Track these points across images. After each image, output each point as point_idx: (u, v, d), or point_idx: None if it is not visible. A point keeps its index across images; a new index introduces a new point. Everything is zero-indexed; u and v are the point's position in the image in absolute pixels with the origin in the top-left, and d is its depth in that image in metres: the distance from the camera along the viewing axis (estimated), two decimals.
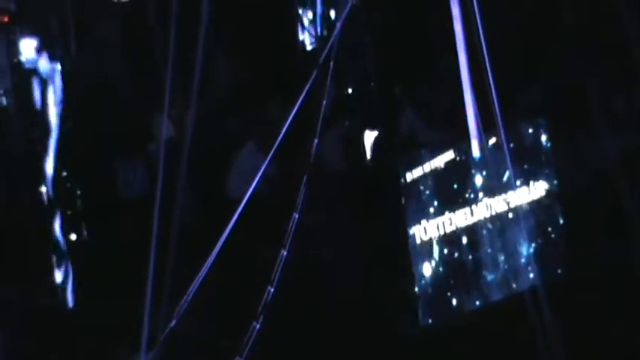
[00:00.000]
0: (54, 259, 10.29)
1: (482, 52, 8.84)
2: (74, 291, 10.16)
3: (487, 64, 8.87)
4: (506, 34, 10.64)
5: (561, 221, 9.74)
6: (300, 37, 11.61)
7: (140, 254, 8.40)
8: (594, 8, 11.05)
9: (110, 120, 11.03)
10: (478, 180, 9.41)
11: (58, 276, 10.32)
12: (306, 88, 8.87)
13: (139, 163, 10.91)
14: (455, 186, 9.34)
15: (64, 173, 10.43)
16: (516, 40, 11.08)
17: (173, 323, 8.37)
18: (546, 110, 10.17)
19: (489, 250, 9.47)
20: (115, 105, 11.10)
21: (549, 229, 9.71)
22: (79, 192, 10.55)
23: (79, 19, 11.00)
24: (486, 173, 9.41)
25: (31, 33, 10.31)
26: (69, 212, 10.42)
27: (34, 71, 10.38)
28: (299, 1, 11.55)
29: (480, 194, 9.45)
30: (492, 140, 9.31)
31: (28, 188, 10.66)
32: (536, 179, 9.68)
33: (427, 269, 9.32)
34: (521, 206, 9.61)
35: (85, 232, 10.59)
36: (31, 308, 9.93)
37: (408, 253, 9.18)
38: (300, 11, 11.52)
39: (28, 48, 10.31)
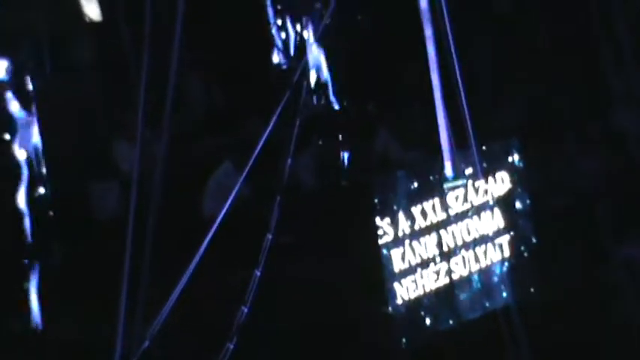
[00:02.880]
0: (24, 281, 10.16)
1: (455, 73, 9.06)
2: (44, 313, 10.05)
3: (460, 85, 9.09)
4: (479, 56, 10.86)
5: (534, 240, 9.92)
6: (275, 58, 11.51)
7: (113, 276, 8.49)
8: (568, 32, 11.34)
9: (84, 141, 11.00)
10: (451, 200, 9.52)
11: (30, 298, 10.13)
12: (280, 107, 9.05)
13: (112, 185, 10.87)
14: (428, 206, 9.40)
15: (37, 193, 10.41)
16: (490, 62, 11.24)
17: (146, 344, 8.45)
18: (519, 131, 10.28)
19: (463, 270, 9.59)
20: (88, 126, 11.09)
21: (522, 248, 9.87)
22: (51, 213, 10.48)
23: (53, 40, 10.97)
24: (459, 193, 9.53)
25: (1, 53, 10.20)
26: (41, 232, 10.33)
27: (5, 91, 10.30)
28: (274, 21, 11.46)
29: (454, 214, 9.55)
30: (466, 161, 9.48)
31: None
32: (509, 199, 9.85)
33: (400, 289, 9.33)
34: (494, 226, 9.76)
35: (57, 253, 10.53)
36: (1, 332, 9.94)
37: (382, 273, 9.20)
38: (274, 32, 11.41)
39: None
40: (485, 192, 9.59)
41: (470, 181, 9.49)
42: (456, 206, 9.51)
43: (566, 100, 11.32)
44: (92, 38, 11.29)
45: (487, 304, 9.60)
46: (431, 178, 9.44)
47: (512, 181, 9.83)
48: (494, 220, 9.74)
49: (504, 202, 9.79)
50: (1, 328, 9.92)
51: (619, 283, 10.35)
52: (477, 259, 9.63)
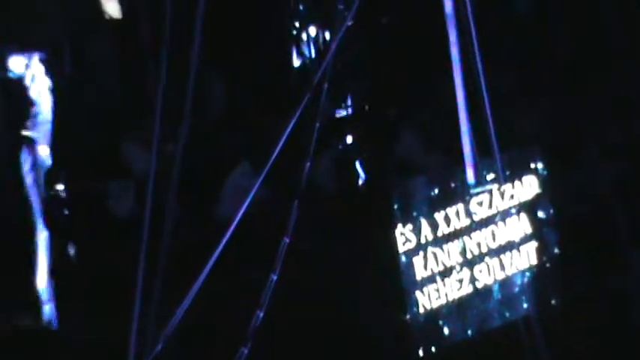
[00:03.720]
0: (39, 278, 10.33)
1: (479, 78, 8.98)
2: (59, 312, 10.19)
3: (483, 90, 9.02)
4: (503, 62, 10.88)
5: (556, 250, 9.81)
6: (295, 59, 11.70)
7: (128, 275, 8.46)
8: (591, 41, 11.31)
9: (101, 140, 11.10)
10: (473, 207, 9.43)
11: (44, 296, 10.35)
12: (300, 109, 8.92)
13: (130, 184, 10.94)
14: (450, 213, 9.32)
15: (53, 191, 10.51)
16: (513, 68, 11.25)
17: (159, 347, 8.37)
18: (543, 138, 10.24)
19: (484, 279, 9.50)
20: (107, 125, 11.18)
21: (544, 258, 9.77)
22: (67, 211, 10.58)
23: (72, 37, 11.10)
24: (479, 203, 9.44)
25: (21, 50, 10.42)
26: (57, 229, 10.45)
27: (23, 88, 10.49)
28: (294, 22, 11.69)
29: (475, 222, 9.46)
30: (489, 167, 9.36)
31: (14, 204, 10.72)
32: (531, 208, 9.73)
33: (421, 298, 9.28)
34: (516, 235, 9.66)
35: (72, 252, 10.61)
36: (14, 330, 10.01)
37: (400, 281, 9.15)
38: (295, 33, 11.59)
39: (17, 64, 10.42)
40: (511, 197, 9.53)
41: (494, 187, 9.43)
42: (480, 212, 9.45)
43: (589, 107, 11.32)
44: (111, 36, 11.38)
45: (507, 315, 9.50)
46: (452, 184, 9.34)
47: (535, 189, 9.73)
48: (518, 228, 9.70)
49: (528, 210, 9.71)
50: (15, 325, 10.04)
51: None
52: (500, 268, 9.57)
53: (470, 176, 9.27)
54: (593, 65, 11.40)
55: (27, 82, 10.36)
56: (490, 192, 9.48)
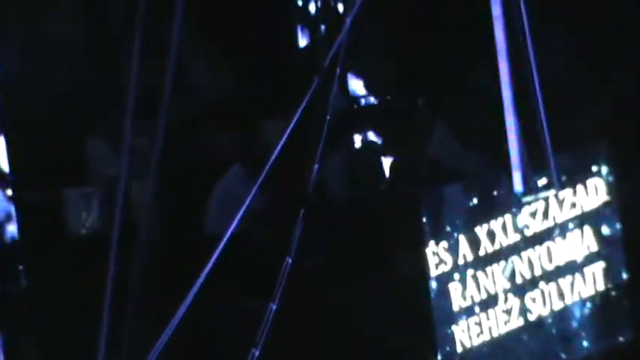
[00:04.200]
0: None
1: (530, 61, 9.08)
2: (5, 354, 10.26)
3: (535, 77, 9.11)
4: (559, 44, 10.98)
5: (625, 276, 9.97)
6: (300, 36, 11.98)
7: (91, 305, 8.56)
8: None
9: (59, 139, 11.26)
10: (521, 222, 9.59)
11: None
12: (306, 99, 9.00)
13: (93, 192, 11.16)
14: (492, 229, 9.50)
15: None
16: (572, 51, 11.37)
17: None
18: (609, 137, 10.31)
19: (536, 310, 9.64)
20: (66, 121, 11.34)
21: (609, 285, 9.91)
22: (14, 227, 10.79)
23: (25, 13, 11.37)
24: (531, 214, 9.61)
25: None
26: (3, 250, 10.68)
27: None
28: None
29: (523, 240, 9.62)
30: (540, 171, 9.49)
31: None
32: (594, 222, 9.91)
33: (454, 333, 9.42)
34: (574, 256, 9.83)
35: (22, 279, 10.79)
36: None
37: (430, 311, 9.32)
38: (300, 4, 11.89)
39: None
40: (571, 206, 9.73)
41: (549, 194, 9.60)
42: (525, 230, 9.62)
43: None
44: (77, 9, 11.63)
45: (564, 356, 9.70)
46: (495, 192, 9.53)
47: (598, 199, 9.94)
48: (578, 246, 9.88)
49: (590, 225, 9.91)
50: None
51: None
52: (557, 296, 9.73)
53: (517, 182, 9.37)
54: None
55: None
56: (545, 200, 9.60)
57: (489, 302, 9.56)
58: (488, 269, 9.55)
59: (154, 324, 8.69)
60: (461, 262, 9.47)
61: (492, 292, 9.56)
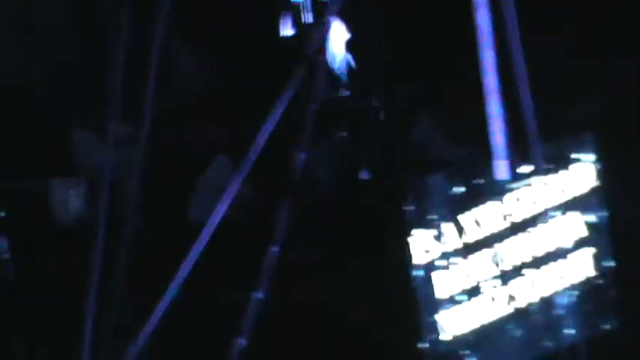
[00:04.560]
0: None
1: (515, 47, 9.07)
2: None
3: (521, 62, 9.12)
4: (546, 30, 10.95)
5: (609, 264, 9.92)
6: (283, 24, 12.07)
7: (77, 295, 8.64)
8: None
9: (42, 127, 11.32)
10: (506, 210, 9.56)
11: None
12: (292, 88, 9.04)
13: (79, 182, 11.18)
14: (476, 218, 9.46)
15: None
16: (558, 37, 11.43)
17: None
18: (596, 125, 10.26)
19: (521, 298, 9.60)
20: (53, 107, 11.41)
21: (595, 273, 9.87)
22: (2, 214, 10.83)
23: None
24: (516, 202, 9.59)
25: None
26: None
27: None
28: None
29: (508, 229, 9.57)
30: (525, 166, 9.52)
31: None
32: (579, 210, 9.86)
33: (438, 321, 9.37)
34: (559, 244, 9.78)
35: (6, 268, 10.83)
36: None
37: (414, 300, 9.27)
38: None
39: None
40: (557, 192, 9.67)
41: (535, 180, 9.57)
42: (510, 218, 9.56)
43: None
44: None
45: (548, 344, 9.63)
46: (480, 180, 9.47)
47: (585, 188, 9.90)
48: (564, 233, 9.80)
49: (573, 214, 9.82)
50: None
51: None
52: (535, 287, 9.64)
53: (502, 170, 9.41)
54: None
55: None
56: (530, 188, 9.59)
57: (474, 290, 9.53)
58: (474, 257, 9.51)
59: (140, 311, 8.75)
60: (446, 250, 9.43)
61: (476, 280, 9.53)
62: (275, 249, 8.98)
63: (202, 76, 12.20)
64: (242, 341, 8.83)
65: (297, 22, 11.94)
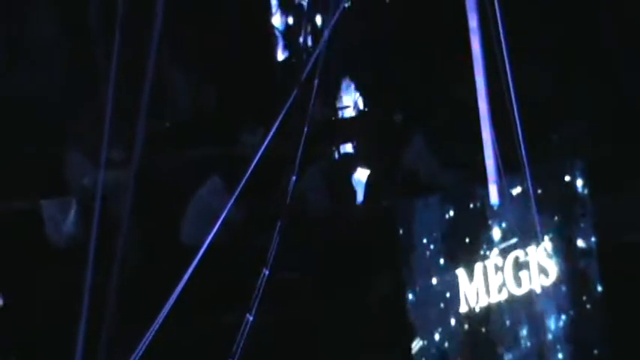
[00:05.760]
0: None
1: (506, 74, 9.14)
2: None
3: (512, 89, 9.17)
4: (536, 57, 11.09)
5: (599, 288, 10.08)
6: (278, 48, 12.09)
7: (68, 318, 8.51)
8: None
9: (35, 146, 11.25)
10: (496, 234, 9.66)
11: None
12: (284, 111, 8.99)
13: (71, 203, 11.12)
14: (467, 240, 9.55)
15: None
16: (550, 60, 11.51)
17: None
18: (585, 151, 10.50)
19: (508, 323, 9.70)
20: (44, 126, 11.33)
21: (584, 297, 10.01)
22: None
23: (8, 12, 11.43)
24: (506, 226, 9.69)
25: None
26: None
27: None
28: (279, 3, 12.06)
29: (498, 252, 9.68)
30: (516, 188, 9.63)
31: None
32: (569, 235, 10.02)
33: (429, 343, 9.42)
34: (548, 269, 9.91)
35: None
36: None
37: (406, 322, 9.30)
38: (279, 16, 12.01)
39: None
40: (539, 225, 9.75)
41: (520, 211, 9.67)
42: (501, 241, 9.70)
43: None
44: (56, 14, 11.66)
45: None
46: (471, 205, 9.59)
47: (573, 213, 10.06)
48: (548, 261, 9.94)
49: (562, 239, 10.00)
50: None
51: None
52: (525, 310, 9.77)
53: (493, 195, 9.48)
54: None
55: None
56: (517, 214, 9.66)
57: (463, 312, 9.56)
58: (467, 280, 9.58)
59: (132, 335, 8.58)
60: (434, 271, 9.48)
61: (465, 301, 9.59)
62: (266, 272, 8.86)
63: (198, 98, 12.18)
64: None
65: (291, 47, 11.93)
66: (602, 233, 10.19)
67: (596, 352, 10.03)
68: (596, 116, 11.69)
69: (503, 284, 9.75)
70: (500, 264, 9.71)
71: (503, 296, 9.79)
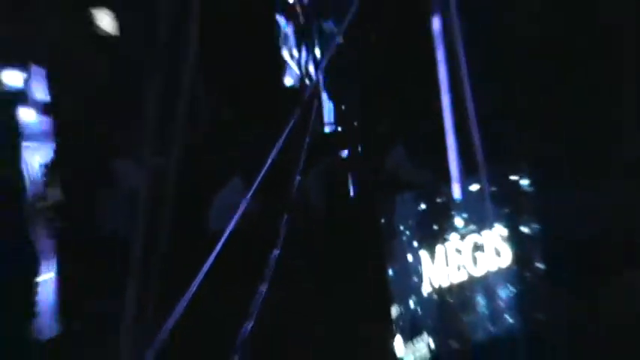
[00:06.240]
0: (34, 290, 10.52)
1: (466, 95, 9.61)
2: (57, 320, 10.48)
3: (470, 107, 9.64)
4: (496, 78, 11.15)
5: (541, 266, 10.34)
6: (286, 75, 12.03)
7: (121, 278, 8.75)
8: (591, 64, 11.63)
9: (90, 153, 11.26)
10: (458, 222, 9.95)
11: (39, 307, 10.50)
12: (290, 125, 9.48)
13: (118, 200, 11.07)
14: (435, 227, 9.83)
15: (43, 204, 10.74)
16: (502, 89, 11.49)
17: (151, 355, 8.65)
18: (531, 158, 10.64)
19: (468, 293, 9.97)
20: (96, 137, 11.27)
21: (528, 274, 10.27)
22: (58, 224, 10.80)
23: (64, 52, 11.21)
24: (467, 216, 9.98)
25: (17, 65, 10.77)
26: (49, 244, 10.63)
27: (18, 100, 10.80)
28: (285, 41, 11.99)
29: (460, 237, 9.98)
30: (474, 186, 9.95)
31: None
32: (516, 223, 10.28)
33: (405, 309, 9.72)
34: (500, 250, 10.19)
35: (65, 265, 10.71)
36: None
37: (387, 292, 9.58)
38: (286, 49, 11.95)
39: (11, 79, 10.77)
40: (492, 215, 10.04)
41: (477, 204, 9.94)
42: (462, 229, 10.01)
43: (579, 128, 11.60)
44: (105, 52, 11.55)
45: (492, 330, 10.00)
46: (438, 200, 9.86)
47: (521, 206, 10.26)
48: (500, 244, 10.15)
49: (511, 226, 10.20)
50: (17, 332, 10.30)
51: (620, 309, 10.71)
52: (482, 283, 9.98)
53: (456, 191, 9.85)
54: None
55: (21, 96, 10.74)
56: (475, 207, 9.92)
57: (434, 282, 9.85)
58: (434, 259, 9.85)
59: (170, 301, 8.83)
60: (413, 254, 9.75)
61: (433, 278, 9.85)
62: (275, 252, 9.42)
63: (220, 116, 12.01)
64: (249, 325, 9.17)
65: (297, 75, 11.82)
66: (544, 221, 10.36)
67: (539, 316, 10.20)
68: (543, 126, 11.62)
69: (465, 263, 10.01)
70: (460, 247, 9.96)
71: (463, 273, 10.01)
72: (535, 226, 10.28)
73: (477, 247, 10.09)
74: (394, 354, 9.64)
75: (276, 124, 9.69)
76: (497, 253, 10.19)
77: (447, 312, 9.92)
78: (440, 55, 9.60)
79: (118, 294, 8.77)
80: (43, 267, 10.68)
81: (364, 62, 11.65)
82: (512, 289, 10.20)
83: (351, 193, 11.61)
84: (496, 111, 10.91)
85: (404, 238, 9.75)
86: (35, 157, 10.92)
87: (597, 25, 11.88)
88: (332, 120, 11.80)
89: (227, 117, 12.10)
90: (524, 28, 12.01)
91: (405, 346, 9.73)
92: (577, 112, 11.72)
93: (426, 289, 9.87)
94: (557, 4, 11.81)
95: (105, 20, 11.54)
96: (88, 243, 11.05)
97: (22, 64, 10.84)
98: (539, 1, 12.00)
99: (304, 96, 10.03)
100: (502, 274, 10.17)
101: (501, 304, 10.15)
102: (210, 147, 11.80)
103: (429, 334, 9.82)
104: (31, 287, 10.51)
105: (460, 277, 9.99)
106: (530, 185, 10.29)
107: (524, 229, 10.31)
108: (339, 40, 10.36)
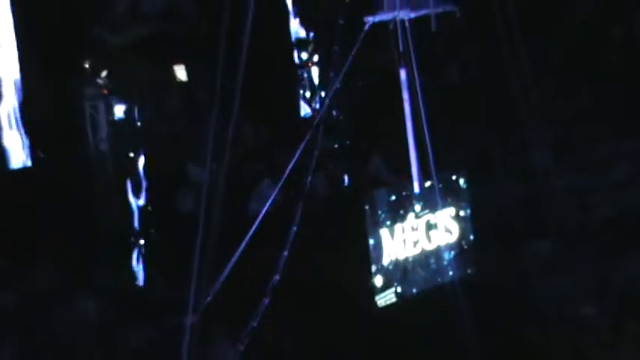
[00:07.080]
0: (131, 252, 11.06)
1: (423, 123, 10.12)
2: (145, 275, 10.97)
3: (426, 131, 10.12)
4: (439, 113, 11.07)
5: (472, 237, 11.01)
6: (302, 107, 12.45)
7: (190, 250, 9.20)
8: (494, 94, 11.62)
9: (176, 158, 11.59)
10: (417, 208, 10.62)
11: (135, 264, 11.15)
12: (304, 143, 9.89)
13: (191, 191, 11.24)
14: (401, 212, 10.44)
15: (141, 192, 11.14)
16: (446, 118, 11.47)
17: (208, 299, 9.38)
18: (465, 164, 11.14)
19: (423, 255, 10.62)
20: (178, 152, 11.59)
21: (463, 242, 10.97)
22: (150, 207, 11.18)
23: (154, 89, 11.79)
24: (423, 204, 10.62)
25: (122, 100, 11.46)
26: (144, 220, 11.01)
27: (124, 126, 11.52)
28: (302, 77, 12.32)
29: (418, 217, 10.62)
30: (428, 183, 10.48)
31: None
32: (456, 209, 10.91)
33: (380, 267, 10.33)
34: (445, 226, 10.83)
35: (154, 235, 11.18)
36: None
37: (369, 255, 10.21)
38: (301, 90, 12.43)
39: (120, 110, 11.50)
40: (440, 204, 10.53)
41: (430, 196, 10.32)
42: (419, 212, 10.56)
43: (496, 144, 11.80)
44: (181, 92, 12.11)
45: (439, 280, 10.59)
46: (404, 193, 10.42)
47: (459, 198, 10.79)
48: (445, 223, 10.70)
49: (453, 211, 10.71)
50: (111, 285, 10.74)
51: (529, 268, 11.29)
52: (432, 248, 10.52)
53: (416, 187, 10.45)
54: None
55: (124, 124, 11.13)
56: (429, 198, 10.31)
57: (402, 246, 10.38)
58: (401, 232, 10.39)
59: (222, 262, 9.41)
60: (386, 229, 10.31)
61: (401, 244, 10.41)
62: (294, 228, 9.81)
63: (253, 139, 12.34)
64: (276, 277, 9.61)
65: (309, 105, 12.22)
66: (474, 209, 10.92)
67: (469, 271, 10.84)
68: (472, 143, 11.83)
69: (422, 235, 10.60)
70: (417, 225, 10.56)
71: (421, 241, 10.55)
72: (468, 210, 10.89)
73: (430, 226, 10.63)
74: (374, 286, 9.99)
75: (294, 143, 10.07)
76: (446, 230, 10.75)
77: (410, 269, 10.50)
78: (405, 96, 10.07)
79: (192, 254, 9.07)
80: None
81: (353, 99, 12.14)
82: (452, 252, 10.82)
83: (345, 189, 12.14)
84: (443, 136, 11.08)
85: (380, 218, 10.34)
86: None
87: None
88: (331, 140, 12.17)
89: (262, 138, 12.53)
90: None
91: (377, 290, 10.19)
92: (491, 132, 11.75)
93: (395, 253, 10.45)
94: None
95: (180, 72, 12.23)
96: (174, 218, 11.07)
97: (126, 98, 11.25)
98: None
99: (313, 124, 10.24)
100: (447, 240, 10.71)
101: (445, 263, 10.79)
102: (251, 158, 12.27)
103: (397, 283, 10.42)
104: None
105: (418, 245, 10.57)
106: (465, 183, 10.90)
107: (461, 213, 10.91)
108: (338, 85, 10.56)
